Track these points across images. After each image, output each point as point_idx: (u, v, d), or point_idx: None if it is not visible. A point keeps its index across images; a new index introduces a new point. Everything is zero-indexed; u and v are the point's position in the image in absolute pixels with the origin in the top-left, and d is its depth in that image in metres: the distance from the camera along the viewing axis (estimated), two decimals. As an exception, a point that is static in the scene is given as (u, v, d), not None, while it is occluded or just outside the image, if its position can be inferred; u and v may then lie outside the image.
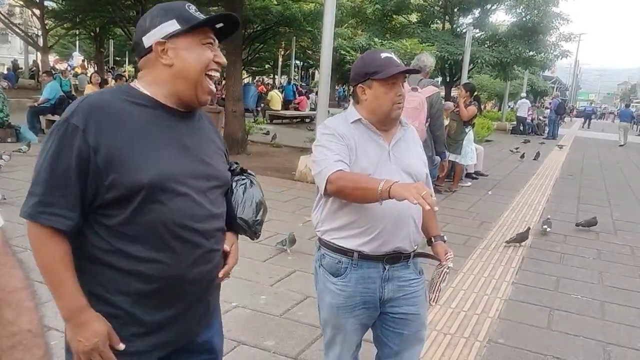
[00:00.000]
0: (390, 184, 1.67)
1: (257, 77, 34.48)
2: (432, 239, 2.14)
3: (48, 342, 0.80)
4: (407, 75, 2.02)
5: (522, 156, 13.15)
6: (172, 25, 1.40)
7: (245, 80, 24.22)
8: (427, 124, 5.14)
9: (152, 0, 19.67)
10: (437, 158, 6.34)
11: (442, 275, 2.06)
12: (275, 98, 19.64)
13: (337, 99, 33.79)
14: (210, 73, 1.46)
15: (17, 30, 22.85)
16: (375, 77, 1.90)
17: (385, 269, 1.97)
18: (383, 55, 1.95)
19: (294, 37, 24.35)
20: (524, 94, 24.62)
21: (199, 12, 1.45)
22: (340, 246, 1.96)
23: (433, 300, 2.10)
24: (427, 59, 5.56)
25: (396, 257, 1.97)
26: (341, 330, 2.04)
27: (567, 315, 3.96)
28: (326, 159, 1.87)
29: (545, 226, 6.19)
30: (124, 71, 33.16)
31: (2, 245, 0.77)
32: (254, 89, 15.41)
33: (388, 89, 1.91)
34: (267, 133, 13.19)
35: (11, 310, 0.76)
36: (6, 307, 0.75)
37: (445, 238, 2.18)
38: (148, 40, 1.42)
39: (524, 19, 17.98)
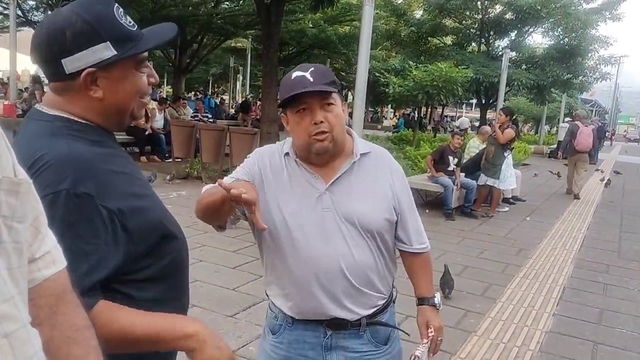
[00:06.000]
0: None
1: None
2: (417, 301, 1.71)
3: None
4: (325, 94, 1.44)
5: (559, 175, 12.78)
6: (106, 50, 1.08)
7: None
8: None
9: (191, 24, 20.28)
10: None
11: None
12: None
13: (369, 119, 33.91)
14: (144, 100, 1.20)
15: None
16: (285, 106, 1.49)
17: (326, 334, 1.56)
18: (294, 75, 1.47)
19: (328, 59, 24.63)
20: (568, 119, 24.17)
21: (130, 19, 1.14)
22: (274, 302, 1.63)
23: None
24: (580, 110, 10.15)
25: (341, 324, 1.54)
26: None
27: (612, 350, 3.80)
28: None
29: None
30: (160, 92, 33.82)
31: (67, 283, 0.77)
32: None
33: (299, 118, 1.47)
34: None
35: (79, 347, 0.77)
36: (74, 344, 0.76)
37: (436, 301, 1.68)
38: (72, 64, 1.07)
39: (561, 41, 17.76)
